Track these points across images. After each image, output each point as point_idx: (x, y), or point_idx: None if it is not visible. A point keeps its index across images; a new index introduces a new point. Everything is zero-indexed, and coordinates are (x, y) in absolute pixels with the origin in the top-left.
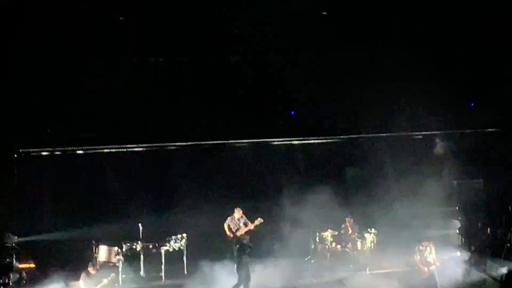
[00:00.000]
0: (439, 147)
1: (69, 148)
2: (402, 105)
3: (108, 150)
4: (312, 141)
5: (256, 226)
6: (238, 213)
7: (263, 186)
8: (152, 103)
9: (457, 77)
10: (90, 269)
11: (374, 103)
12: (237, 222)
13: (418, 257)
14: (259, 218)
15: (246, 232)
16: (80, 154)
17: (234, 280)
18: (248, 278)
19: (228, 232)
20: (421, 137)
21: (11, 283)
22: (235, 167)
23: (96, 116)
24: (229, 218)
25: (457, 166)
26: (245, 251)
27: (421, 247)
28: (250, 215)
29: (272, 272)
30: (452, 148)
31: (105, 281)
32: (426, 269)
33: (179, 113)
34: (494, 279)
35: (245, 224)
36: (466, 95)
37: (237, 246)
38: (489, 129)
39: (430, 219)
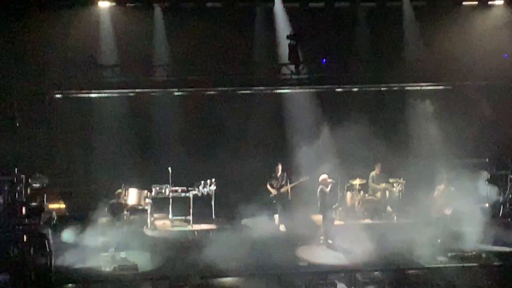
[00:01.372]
0: (469, 99)
1: (101, 91)
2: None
3: (139, 92)
4: (341, 89)
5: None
6: (279, 169)
7: (294, 135)
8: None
9: None
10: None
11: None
12: (279, 179)
13: (436, 196)
14: (305, 176)
15: (289, 189)
16: (111, 96)
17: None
18: None
19: (271, 190)
20: (451, 87)
21: (41, 223)
22: (266, 114)
23: (127, 59)
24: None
25: (489, 119)
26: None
27: (440, 188)
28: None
29: (301, 221)
30: (483, 100)
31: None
32: (445, 210)
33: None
34: None
35: (287, 182)
36: None
37: (280, 203)
38: None
39: (459, 169)
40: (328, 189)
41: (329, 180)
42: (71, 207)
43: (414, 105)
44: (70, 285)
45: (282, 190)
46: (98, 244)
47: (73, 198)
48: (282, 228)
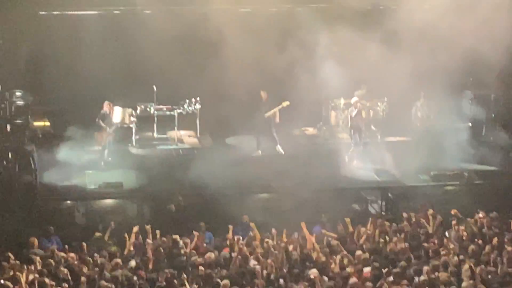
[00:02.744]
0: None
1: (86, 8)
2: None
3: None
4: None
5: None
6: (264, 95)
7: (279, 51)
8: None
9: None
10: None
11: None
12: (264, 104)
13: (415, 112)
14: (286, 101)
15: (273, 114)
16: (96, 14)
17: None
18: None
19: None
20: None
21: (26, 141)
22: (256, 32)
23: None
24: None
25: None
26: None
27: (418, 104)
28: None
29: (284, 138)
30: (470, 20)
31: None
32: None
33: None
34: (504, 150)
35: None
36: None
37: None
38: None
39: (443, 88)
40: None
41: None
42: (56, 124)
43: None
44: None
45: (267, 115)
46: (84, 161)
47: (59, 115)
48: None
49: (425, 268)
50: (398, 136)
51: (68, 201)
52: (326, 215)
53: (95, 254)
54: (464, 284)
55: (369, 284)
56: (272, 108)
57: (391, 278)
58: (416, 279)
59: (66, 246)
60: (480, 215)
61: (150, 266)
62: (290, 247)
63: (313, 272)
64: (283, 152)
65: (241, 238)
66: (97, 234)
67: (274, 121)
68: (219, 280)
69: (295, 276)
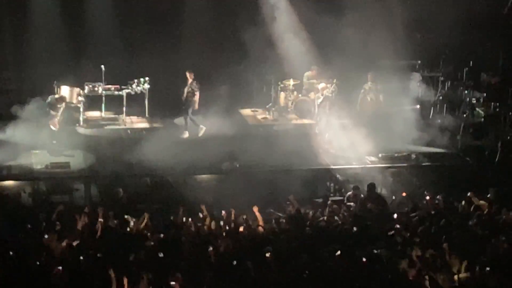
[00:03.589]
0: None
1: None
2: None
3: None
4: None
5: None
6: (190, 75)
7: (227, 32)
8: None
9: None
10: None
11: None
12: (189, 86)
13: (363, 95)
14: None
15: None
16: None
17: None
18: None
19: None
20: None
21: None
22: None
23: None
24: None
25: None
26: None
27: (366, 86)
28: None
29: (233, 117)
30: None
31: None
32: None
33: None
34: (451, 133)
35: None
36: None
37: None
38: None
39: (391, 71)
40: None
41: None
42: (3, 103)
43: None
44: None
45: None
46: (30, 141)
47: (5, 94)
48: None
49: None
50: (347, 118)
51: (14, 181)
52: (274, 196)
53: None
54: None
55: None
56: (193, 90)
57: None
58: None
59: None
60: (427, 197)
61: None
62: (240, 228)
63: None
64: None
65: (189, 219)
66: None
67: (192, 103)
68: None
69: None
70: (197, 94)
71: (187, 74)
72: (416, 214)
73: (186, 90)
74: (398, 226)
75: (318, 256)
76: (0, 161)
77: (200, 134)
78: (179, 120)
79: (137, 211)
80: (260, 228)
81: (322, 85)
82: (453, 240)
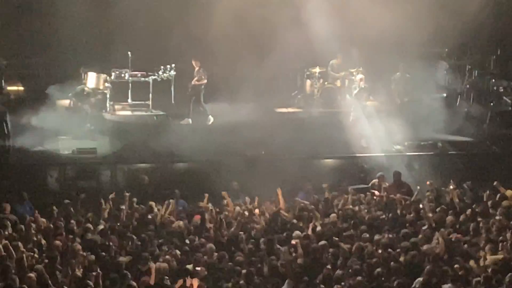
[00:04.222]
0: None
1: None
2: None
3: None
4: None
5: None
6: (196, 64)
7: (253, 21)
8: None
9: None
10: None
11: None
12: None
13: (393, 86)
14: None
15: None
16: None
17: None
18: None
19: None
20: None
21: None
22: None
23: None
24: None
25: (449, 9)
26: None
27: (396, 76)
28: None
29: (259, 105)
30: None
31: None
32: (398, 101)
33: None
34: (478, 121)
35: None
36: None
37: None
38: None
39: (418, 59)
40: None
41: None
42: (30, 89)
43: None
44: None
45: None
46: (57, 126)
47: (32, 80)
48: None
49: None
50: (374, 106)
51: (41, 166)
52: (304, 183)
53: (71, 221)
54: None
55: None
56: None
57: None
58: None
59: (36, 212)
60: (451, 186)
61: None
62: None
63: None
64: (210, 122)
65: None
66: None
67: (199, 91)
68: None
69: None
70: (204, 81)
71: (193, 62)
72: (441, 202)
73: (194, 78)
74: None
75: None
76: (27, 146)
77: (209, 123)
78: (206, 106)
79: (163, 197)
80: (283, 213)
81: (360, 76)
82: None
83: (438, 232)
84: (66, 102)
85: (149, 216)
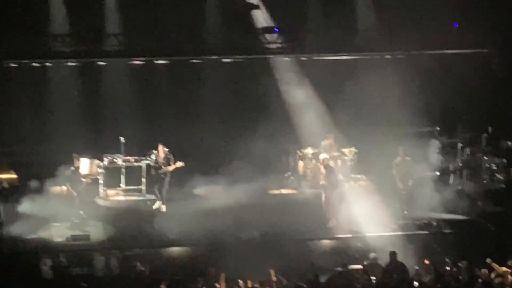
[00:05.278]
0: (421, 68)
1: (49, 60)
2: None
3: (91, 62)
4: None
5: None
6: (161, 149)
7: (246, 102)
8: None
9: None
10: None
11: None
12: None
13: (395, 171)
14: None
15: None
16: (62, 65)
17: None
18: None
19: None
20: (403, 57)
21: None
22: (218, 83)
23: (76, 29)
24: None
25: (440, 88)
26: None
27: (397, 161)
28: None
29: (252, 187)
30: (436, 69)
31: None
32: (401, 185)
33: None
34: (471, 199)
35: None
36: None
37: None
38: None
39: (411, 138)
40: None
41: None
42: (22, 177)
43: (366, 74)
44: None
45: (161, 171)
46: (50, 214)
47: (24, 168)
48: (156, 205)
49: None
50: (367, 185)
51: (35, 255)
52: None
53: None
54: None
55: None
56: (167, 164)
57: None
58: None
59: None
60: (447, 267)
61: None
62: None
63: None
64: (164, 210)
65: None
66: None
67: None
68: None
69: None
70: (171, 165)
71: (160, 147)
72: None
73: (160, 162)
74: None
75: None
76: (21, 234)
77: (154, 207)
78: (198, 191)
79: (157, 284)
80: None
81: (322, 155)
82: None
83: None
84: (58, 188)
85: None
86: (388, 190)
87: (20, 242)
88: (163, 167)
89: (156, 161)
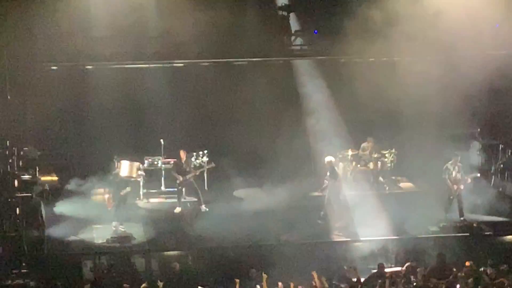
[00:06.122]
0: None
1: (92, 62)
2: None
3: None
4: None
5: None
6: (182, 154)
7: (287, 103)
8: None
9: None
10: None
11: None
12: (184, 165)
13: (447, 175)
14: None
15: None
16: (103, 68)
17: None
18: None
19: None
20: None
21: (34, 196)
22: (259, 84)
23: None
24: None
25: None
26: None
27: (449, 165)
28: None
29: (293, 188)
30: (476, 70)
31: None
32: (455, 187)
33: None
34: None
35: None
36: None
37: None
38: None
39: (451, 140)
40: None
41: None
42: (64, 179)
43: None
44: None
45: (189, 176)
46: (91, 216)
47: (66, 170)
48: (177, 210)
49: None
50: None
51: (76, 256)
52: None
53: None
54: None
55: None
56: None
57: None
58: None
59: None
60: (488, 271)
61: None
62: None
63: None
64: (207, 209)
65: None
66: None
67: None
68: None
69: None
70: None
71: (181, 153)
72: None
73: (183, 167)
74: None
75: None
76: (63, 236)
77: (176, 211)
78: (239, 193)
79: (195, 285)
80: None
81: (328, 158)
82: None
83: None
84: (99, 190)
85: None
86: (430, 192)
87: (61, 244)
88: (187, 170)
89: (179, 167)
